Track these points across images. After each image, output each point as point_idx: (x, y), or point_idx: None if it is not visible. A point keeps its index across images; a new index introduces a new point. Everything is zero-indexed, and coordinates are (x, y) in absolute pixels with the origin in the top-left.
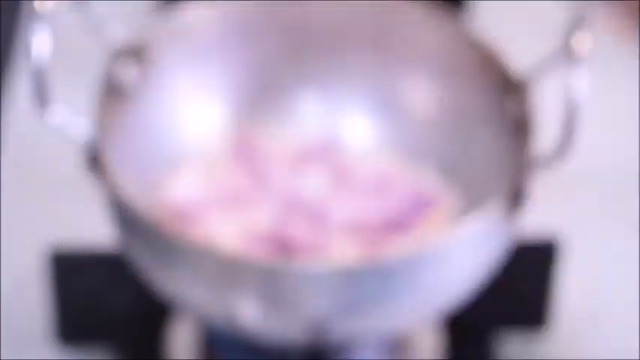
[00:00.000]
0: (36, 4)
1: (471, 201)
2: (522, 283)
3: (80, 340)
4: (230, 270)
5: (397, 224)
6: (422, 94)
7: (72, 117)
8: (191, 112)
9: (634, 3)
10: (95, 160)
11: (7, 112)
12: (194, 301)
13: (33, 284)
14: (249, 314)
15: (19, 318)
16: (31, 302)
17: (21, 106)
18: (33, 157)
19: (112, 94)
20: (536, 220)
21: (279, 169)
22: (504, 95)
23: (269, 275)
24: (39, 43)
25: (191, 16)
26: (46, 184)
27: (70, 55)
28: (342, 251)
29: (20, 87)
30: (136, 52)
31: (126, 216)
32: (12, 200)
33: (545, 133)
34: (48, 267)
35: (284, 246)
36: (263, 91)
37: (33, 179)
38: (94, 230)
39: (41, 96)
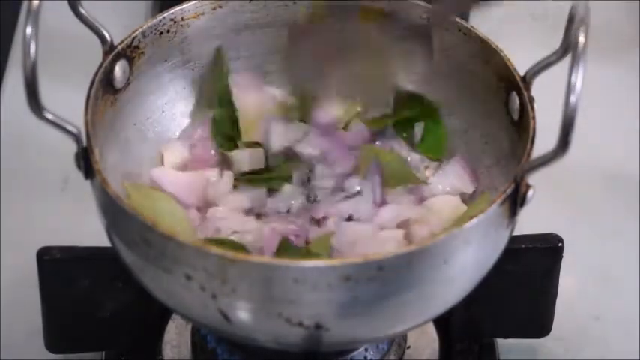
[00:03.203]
0: (29, 2)
1: (471, 200)
2: (522, 283)
3: (70, 349)
4: (226, 270)
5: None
6: (421, 92)
7: (64, 113)
8: (183, 111)
9: (634, 3)
10: (85, 158)
11: (3, 113)
12: (189, 303)
13: (32, 286)
14: (247, 315)
15: (19, 319)
16: (30, 304)
17: (16, 106)
18: (26, 157)
19: (104, 92)
20: (537, 220)
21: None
22: (504, 94)
23: (267, 275)
24: (30, 40)
25: (183, 15)
26: (41, 186)
27: (63, 54)
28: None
29: (16, 87)
30: (128, 51)
31: (116, 214)
32: (8, 202)
33: (546, 131)
34: (37, 269)
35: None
36: None
37: (27, 180)
38: (88, 232)
39: (32, 92)
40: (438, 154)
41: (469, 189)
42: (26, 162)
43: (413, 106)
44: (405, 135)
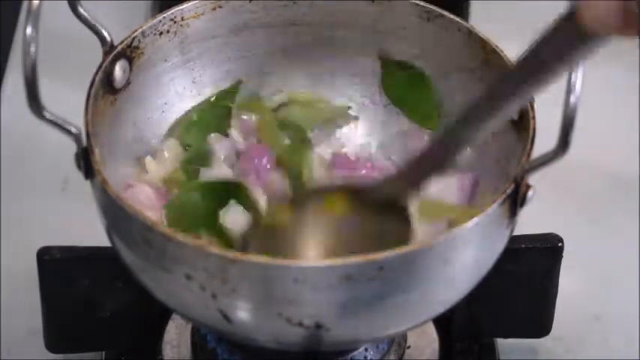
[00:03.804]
0: (29, 2)
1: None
2: (522, 283)
3: (70, 349)
4: (226, 270)
5: None
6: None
7: (64, 113)
8: (182, 110)
9: (634, 3)
10: (85, 158)
11: (3, 113)
12: (189, 303)
13: (32, 286)
14: (247, 315)
15: (19, 319)
16: (30, 304)
17: (16, 106)
18: (26, 157)
19: (104, 92)
20: (537, 220)
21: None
22: None
23: (267, 275)
24: (30, 40)
25: (183, 15)
26: (41, 186)
27: (63, 54)
28: None
29: (16, 87)
30: (128, 51)
31: (116, 214)
32: (8, 202)
33: (546, 131)
34: (37, 269)
35: None
36: (256, 89)
37: (27, 180)
38: (88, 232)
39: (32, 92)
40: (432, 123)
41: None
42: (26, 162)
43: (401, 74)
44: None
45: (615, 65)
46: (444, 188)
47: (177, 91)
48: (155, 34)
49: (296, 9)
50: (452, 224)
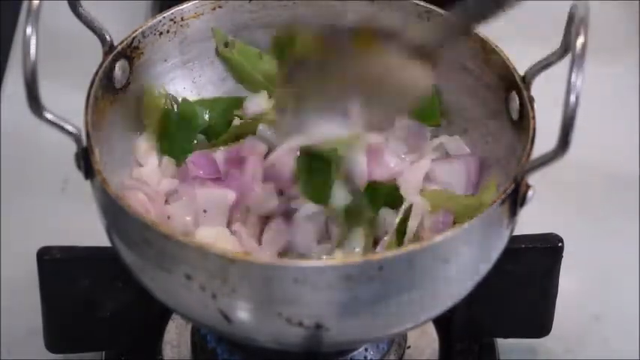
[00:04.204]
0: (29, 2)
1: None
2: (522, 283)
3: (70, 349)
4: (226, 270)
5: None
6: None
7: (64, 113)
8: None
9: (634, 3)
10: (85, 158)
11: (3, 113)
12: (189, 303)
13: (32, 286)
14: (247, 315)
15: (19, 319)
16: (30, 304)
17: (16, 106)
18: (26, 157)
19: (104, 92)
20: (537, 220)
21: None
22: (504, 94)
23: (267, 275)
24: (30, 40)
25: (183, 15)
26: (41, 186)
27: (63, 54)
28: None
29: (16, 87)
30: (128, 51)
31: (116, 214)
32: (8, 202)
33: (546, 131)
34: (37, 269)
35: None
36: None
37: (27, 180)
38: (88, 232)
39: (32, 92)
40: (434, 120)
41: (461, 190)
42: (26, 162)
43: None
44: None
45: (615, 65)
46: (451, 172)
47: (177, 92)
48: (155, 34)
49: (296, 9)
50: (457, 218)
